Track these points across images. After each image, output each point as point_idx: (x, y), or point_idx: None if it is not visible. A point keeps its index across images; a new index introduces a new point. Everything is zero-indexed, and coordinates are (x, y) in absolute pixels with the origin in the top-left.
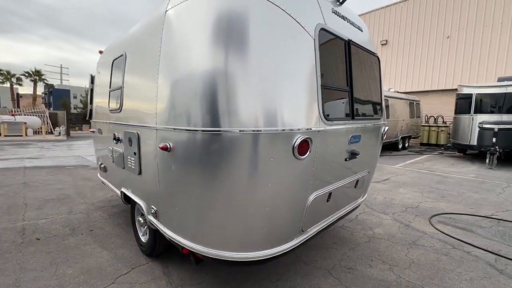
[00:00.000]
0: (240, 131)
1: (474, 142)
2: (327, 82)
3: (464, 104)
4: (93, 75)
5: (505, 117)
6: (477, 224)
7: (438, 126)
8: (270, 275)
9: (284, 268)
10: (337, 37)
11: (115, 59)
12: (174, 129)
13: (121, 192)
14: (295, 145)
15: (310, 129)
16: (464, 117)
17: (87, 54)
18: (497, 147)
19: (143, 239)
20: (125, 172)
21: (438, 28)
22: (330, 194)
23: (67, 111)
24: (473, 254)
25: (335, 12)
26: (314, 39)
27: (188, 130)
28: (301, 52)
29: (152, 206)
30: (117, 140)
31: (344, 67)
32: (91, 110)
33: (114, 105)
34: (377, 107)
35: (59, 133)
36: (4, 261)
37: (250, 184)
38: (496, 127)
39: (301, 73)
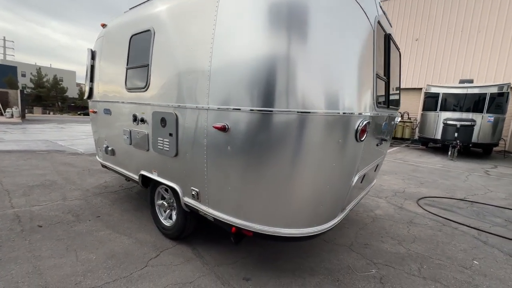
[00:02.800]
0: (308, 112)
1: (439, 136)
2: (377, 71)
3: (431, 102)
4: (93, 50)
5: (465, 115)
6: (456, 206)
7: (404, 122)
8: (300, 253)
9: (310, 246)
10: (383, 29)
11: (135, 34)
12: (235, 109)
13: (141, 175)
14: (359, 128)
15: (367, 114)
16: (431, 114)
17: (35, 27)
18: (458, 141)
19: (166, 222)
20: (150, 154)
21: (409, 30)
22: (364, 175)
23: (21, 90)
24: (460, 230)
25: (381, 6)
26: (374, 30)
27: (254, 110)
28: (362, 40)
29: (193, 188)
30: (140, 121)
31: (383, 59)
32: (91, 88)
33: (135, 83)
34: (397, 98)
35: (11, 114)
36: (10, 249)
37: (320, 164)
38: (458, 123)
39: (361, 61)
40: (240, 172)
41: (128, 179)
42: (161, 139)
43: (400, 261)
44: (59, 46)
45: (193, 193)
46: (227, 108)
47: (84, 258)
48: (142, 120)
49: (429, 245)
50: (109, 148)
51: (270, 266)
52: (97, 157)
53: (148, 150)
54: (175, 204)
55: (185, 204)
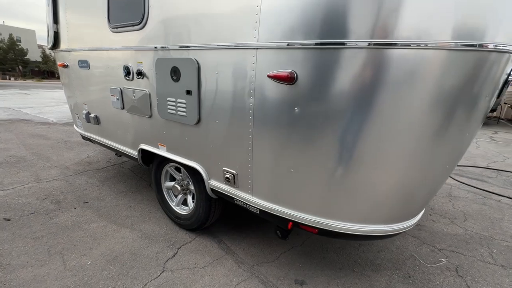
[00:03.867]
0: (427, 45)
1: None
2: None
3: None
4: None
5: None
6: (484, 175)
7: None
8: (350, 241)
9: None
10: None
11: None
12: (322, 44)
13: (140, 150)
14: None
15: None
16: None
17: None
18: None
19: (180, 210)
20: (154, 122)
21: None
22: None
23: None
24: (504, 203)
25: None
26: None
27: (371, 44)
28: None
29: (227, 169)
30: (137, 74)
31: None
32: (56, 33)
33: (125, 17)
34: None
35: None
36: None
37: (453, 133)
38: None
39: None
40: (316, 148)
41: (119, 154)
42: (172, 100)
43: (465, 245)
44: (13, 1)
45: (227, 176)
46: (303, 45)
47: (74, 264)
48: (140, 74)
49: (484, 222)
50: (91, 115)
51: (321, 262)
52: (75, 126)
53: (150, 116)
54: (191, 187)
55: (212, 189)
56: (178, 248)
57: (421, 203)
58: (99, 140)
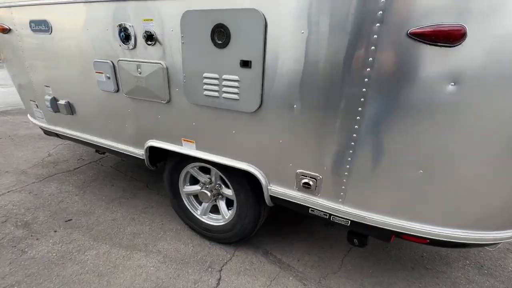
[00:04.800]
0: None
1: None
2: None
3: None
4: None
5: None
6: None
7: None
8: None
9: None
10: None
11: None
12: None
13: (149, 148)
14: None
15: None
16: None
17: None
18: None
19: (209, 220)
20: (175, 109)
21: None
22: None
23: None
24: None
25: None
26: None
27: None
28: None
29: (305, 172)
30: (145, 39)
31: None
32: None
33: None
34: None
35: None
36: None
37: None
38: None
39: None
40: (480, 143)
41: (104, 152)
42: (213, 76)
43: None
44: None
45: (306, 181)
46: None
47: None
48: (150, 38)
49: None
50: (61, 102)
51: (389, 262)
52: (31, 118)
53: (168, 101)
54: (227, 192)
55: (277, 197)
56: (220, 271)
57: None
58: (75, 136)
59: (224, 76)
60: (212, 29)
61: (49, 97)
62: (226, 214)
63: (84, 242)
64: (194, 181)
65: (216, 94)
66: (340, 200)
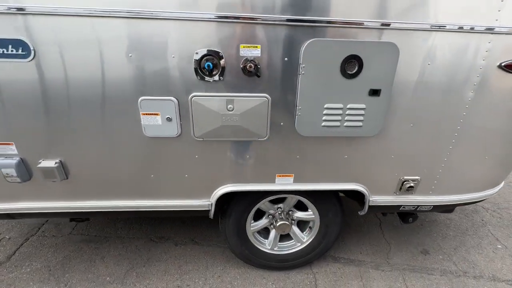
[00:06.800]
0: None
1: None
2: None
3: None
4: None
5: None
6: None
7: None
8: None
9: None
10: None
11: None
12: None
13: (220, 197)
14: None
15: None
16: None
17: None
18: None
19: (281, 250)
20: (272, 144)
21: None
22: None
23: None
24: None
25: None
26: None
27: None
28: None
29: (408, 178)
30: (248, 68)
31: None
32: None
33: None
34: None
35: None
36: None
37: None
38: None
39: None
40: None
41: (85, 218)
42: (337, 106)
43: None
44: None
45: (410, 184)
46: None
47: None
48: (250, 68)
49: None
50: (46, 165)
51: (459, 236)
52: None
53: (266, 137)
54: (299, 216)
55: (372, 206)
56: None
57: None
58: (54, 209)
59: (349, 106)
60: (344, 59)
61: (12, 161)
62: (303, 238)
63: None
64: (257, 216)
65: (337, 123)
66: (430, 192)
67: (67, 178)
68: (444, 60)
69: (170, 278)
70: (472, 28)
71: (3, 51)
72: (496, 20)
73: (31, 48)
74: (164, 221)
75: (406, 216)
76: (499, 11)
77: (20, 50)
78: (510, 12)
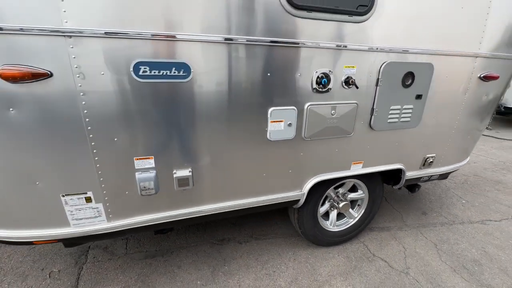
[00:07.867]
0: None
1: None
2: None
3: None
4: None
5: None
6: None
7: None
8: None
9: None
10: None
11: None
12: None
13: (312, 187)
14: None
15: None
16: None
17: None
18: None
19: (339, 227)
20: (352, 139)
21: None
22: None
23: None
24: None
25: None
26: None
27: None
28: None
29: (429, 156)
30: (345, 84)
31: None
32: None
33: None
34: None
35: None
36: None
37: None
38: None
39: None
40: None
41: (169, 228)
42: (397, 107)
43: None
44: None
45: (431, 160)
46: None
47: None
48: (348, 82)
49: None
50: (180, 174)
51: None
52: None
53: (351, 134)
54: (353, 196)
55: (407, 179)
56: (374, 256)
57: None
58: (173, 217)
59: (404, 106)
60: (404, 75)
61: (150, 174)
62: (354, 214)
63: None
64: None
65: (396, 120)
66: (439, 164)
67: (193, 185)
68: (453, 74)
69: (255, 270)
70: (466, 53)
71: (165, 72)
72: (479, 49)
73: (191, 70)
74: (210, 224)
75: (414, 187)
76: (480, 43)
77: (181, 72)
78: (488, 42)
